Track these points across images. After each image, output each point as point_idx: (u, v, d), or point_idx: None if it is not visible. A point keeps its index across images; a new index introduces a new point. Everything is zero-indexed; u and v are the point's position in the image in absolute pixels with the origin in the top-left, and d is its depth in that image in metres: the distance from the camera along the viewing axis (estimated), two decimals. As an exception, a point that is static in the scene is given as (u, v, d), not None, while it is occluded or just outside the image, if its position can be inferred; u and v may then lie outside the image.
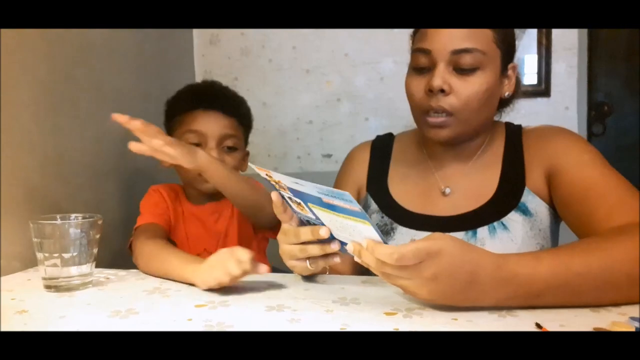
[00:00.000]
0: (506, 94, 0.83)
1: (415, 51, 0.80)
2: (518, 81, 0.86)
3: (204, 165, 0.85)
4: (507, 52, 0.80)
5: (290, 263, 0.72)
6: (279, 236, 0.72)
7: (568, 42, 1.52)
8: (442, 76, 0.75)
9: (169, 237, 1.04)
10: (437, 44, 0.76)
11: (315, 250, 0.68)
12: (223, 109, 1.02)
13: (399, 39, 1.63)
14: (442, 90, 0.75)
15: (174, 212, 1.06)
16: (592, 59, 1.66)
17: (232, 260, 0.70)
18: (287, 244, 0.70)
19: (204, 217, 1.06)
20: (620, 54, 1.73)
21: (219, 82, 1.09)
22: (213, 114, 1.01)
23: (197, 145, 0.98)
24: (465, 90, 0.75)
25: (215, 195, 1.05)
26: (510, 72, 0.82)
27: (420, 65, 0.79)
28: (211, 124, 1.00)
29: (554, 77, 1.54)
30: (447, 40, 0.75)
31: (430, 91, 0.76)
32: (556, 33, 1.52)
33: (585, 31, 1.62)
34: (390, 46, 1.63)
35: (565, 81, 1.54)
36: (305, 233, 0.67)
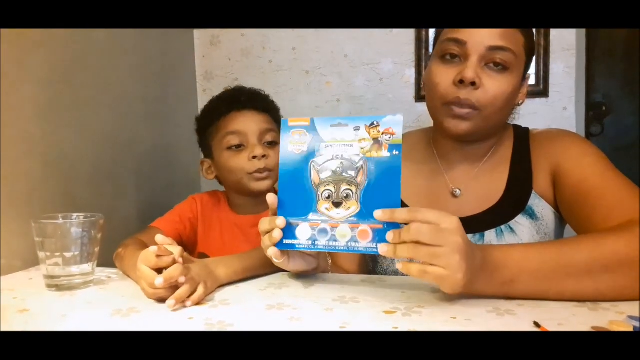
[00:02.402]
0: (519, 101, 0.83)
1: (448, 40, 0.78)
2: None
3: (226, 279, 0.76)
4: (530, 60, 0.81)
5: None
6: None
7: (566, 42, 1.53)
8: (474, 69, 0.75)
9: (196, 247, 1.06)
10: (474, 37, 0.76)
11: (266, 241, 0.68)
12: (256, 106, 1.05)
13: (398, 40, 1.64)
14: (473, 83, 0.75)
15: (207, 222, 1.08)
16: (590, 60, 1.67)
17: (142, 282, 0.69)
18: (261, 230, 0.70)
19: (245, 228, 1.06)
20: (619, 55, 1.74)
21: (241, 85, 1.12)
22: (248, 113, 1.03)
23: (239, 146, 1.01)
24: (493, 87, 0.76)
25: (260, 206, 1.07)
26: (525, 81, 0.83)
27: (452, 54, 0.78)
28: (248, 122, 1.02)
29: (552, 77, 1.54)
30: (486, 35, 0.75)
31: (461, 82, 0.75)
32: (554, 34, 1.53)
33: (583, 32, 1.62)
34: (389, 47, 1.64)
35: (563, 81, 1.54)
36: (264, 222, 0.68)
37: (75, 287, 0.75)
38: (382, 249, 0.60)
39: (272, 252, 0.67)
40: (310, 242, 0.66)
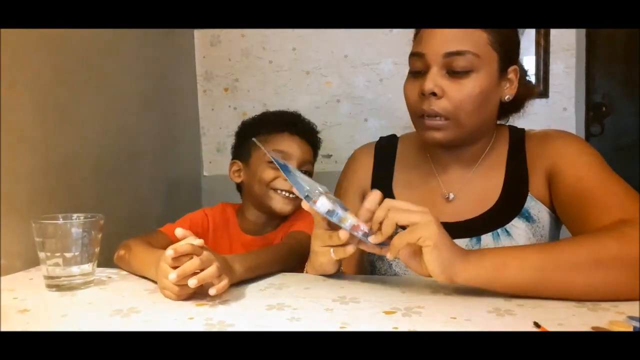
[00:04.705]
0: (506, 97, 0.81)
1: (411, 55, 0.80)
2: (526, 84, 0.85)
3: (242, 276, 0.77)
4: (506, 54, 0.79)
5: (320, 249, 0.73)
6: (315, 221, 0.73)
7: (566, 43, 1.53)
8: (434, 79, 0.75)
9: None
10: (430, 47, 0.76)
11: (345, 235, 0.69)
12: (306, 136, 1.11)
13: (398, 40, 1.64)
14: (434, 94, 0.75)
15: (217, 240, 1.10)
16: (590, 60, 1.67)
17: (164, 281, 0.68)
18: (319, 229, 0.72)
19: (251, 249, 1.05)
20: (618, 55, 1.74)
21: (299, 112, 1.19)
22: (297, 139, 1.09)
23: None
24: (458, 94, 0.75)
25: (268, 227, 1.11)
26: (511, 75, 0.81)
27: (416, 69, 0.79)
28: (295, 148, 1.08)
29: (552, 77, 1.54)
30: (440, 43, 0.75)
31: (423, 94, 0.76)
32: (554, 34, 1.53)
33: (583, 32, 1.62)
34: (389, 47, 1.64)
35: (563, 82, 1.54)
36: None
37: (75, 287, 0.75)
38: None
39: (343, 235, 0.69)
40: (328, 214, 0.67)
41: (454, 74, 0.76)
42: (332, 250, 0.71)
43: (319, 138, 1.17)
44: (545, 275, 0.62)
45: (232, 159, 1.16)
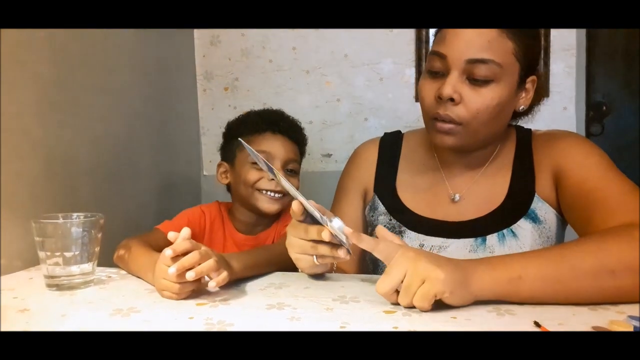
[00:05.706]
0: (521, 107, 0.80)
1: (432, 54, 0.77)
2: (541, 92, 0.83)
3: (239, 274, 0.77)
4: (528, 65, 0.77)
5: (295, 255, 0.72)
6: (289, 228, 0.72)
7: (566, 42, 1.53)
8: (453, 85, 0.73)
9: None
10: (452, 50, 0.73)
11: (325, 250, 0.68)
12: (289, 134, 1.10)
13: (399, 40, 1.64)
14: (452, 99, 0.74)
15: (213, 238, 1.10)
16: (591, 60, 1.66)
17: (162, 281, 0.69)
18: (296, 237, 0.71)
19: (244, 248, 1.08)
20: (619, 55, 1.74)
21: (282, 110, 1.17)
22: (280, 138, 1.09)
23: None
24: (476, 102, 0.73)
25: (259, 227, 1.12)
26: (528, 85, 0.79)
27: (435, 69, 0.76)
28: (278, 147, 1.07)
29: (552, 77, 1.54)
30: (464, 47, 0.73)
31: (440, 98, 0.75)
32: (555, 34, 1.53)
33: (583, 31, 1.62)
34: (389, 47, 1.64)
35: (563, 81, 1.54)
36: (312, 232, 0.68)
37: (75, 287, 0.75)
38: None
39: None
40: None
41: (474, 81, 0.73)
42: (314, 257, 0.71)
43: (305, 135, 1.17)
44: (562, 286, 0.60)
45: (220, 160, 1.16)
